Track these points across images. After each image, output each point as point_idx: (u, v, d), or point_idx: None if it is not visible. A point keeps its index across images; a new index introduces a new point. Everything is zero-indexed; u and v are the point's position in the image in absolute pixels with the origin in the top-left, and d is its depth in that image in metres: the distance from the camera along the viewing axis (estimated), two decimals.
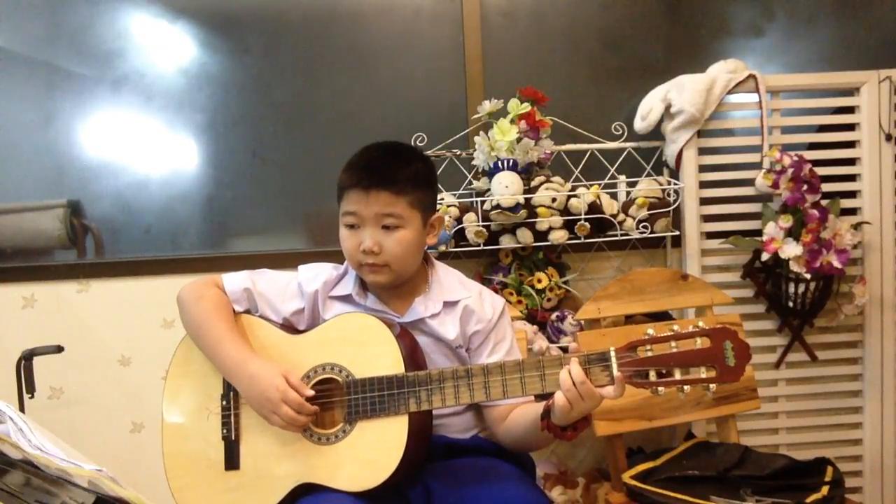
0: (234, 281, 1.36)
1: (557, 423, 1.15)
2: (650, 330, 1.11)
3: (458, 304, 1.35)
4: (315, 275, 1.37)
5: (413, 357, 1.25)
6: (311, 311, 1.36)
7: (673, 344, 1.10)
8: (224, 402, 1.29)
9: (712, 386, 1.09)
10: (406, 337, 1.27)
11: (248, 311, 1.36)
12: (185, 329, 1.34)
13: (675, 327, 1.11)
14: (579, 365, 1.11)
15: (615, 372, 1.10)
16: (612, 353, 1.11)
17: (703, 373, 1.08)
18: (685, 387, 1.09)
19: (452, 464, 1.30)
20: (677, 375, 1.09)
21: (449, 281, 1.39)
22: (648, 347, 1.10)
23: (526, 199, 1.89)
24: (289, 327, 1.36)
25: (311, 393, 1.20)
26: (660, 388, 1.09)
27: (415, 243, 1.31)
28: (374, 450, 1.18)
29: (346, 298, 1.36)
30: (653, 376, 1.09)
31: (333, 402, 1.23)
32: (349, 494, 1.16)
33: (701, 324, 1.11)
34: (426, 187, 1.34)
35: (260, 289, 1.36)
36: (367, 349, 1.22)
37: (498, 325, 1.37)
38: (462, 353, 1.35)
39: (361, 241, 1.28)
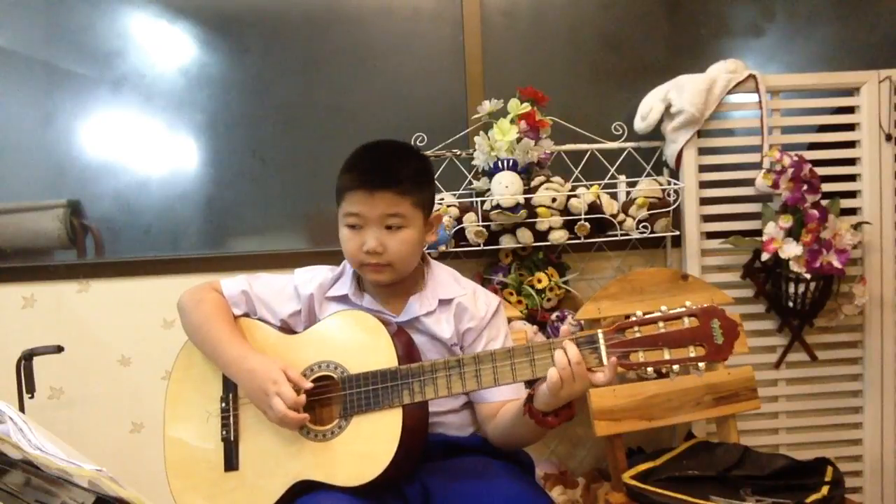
0: (232, 285, 1.37)
1: (540, 407, 1.15)
2: (638, 311, 1.11)
3: (453, 301, 1.35)
4: (311, 277, 1.38)
5: (409, 353, 1.25)
6: (307, 313, 1.36)
7: (661, 324, 1.09)
8: (223, 405, 1.29)
9: (701, 365, 1.08)
10: (402, 334, 1.28)
11: (246, 315, 1.37)
12: (186, 333, 1.35)
13: (664, 308, 1.11)
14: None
15: (603, 354, 1.10)
16: (601, 336, 1.11)
17: (691, 352, 1.08)
18: (675, 367, 1.08)
19: (451, 463, 1.29)
20: (666, 355, 1.08)
21: (444, 279, 1.39)
22: (636, 329, 1.10)
23: (526, 199, 1.89)
24: (286, 329, 1.36)
25: (309, 385, 1.20)
26: (649, 369, 1.09)
27: (417, 242, 1.31)
28: (369, 443, 1.18)
29: (342, 299, 1.36)
30: (642, 357, 1.09)
31: (330, 398, 1.23)
32: (347, 492, 1.16)
33: (688, 303, 1.10)
34: (427, 186, 1.34)
35: (257, 291, 1.37)
36: (362, 345, 1.23)
37: (492, 323, 1.38)
38: (457, 352, 1.35)
39: (364, 241, 1.28)
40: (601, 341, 1.10)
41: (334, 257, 1.45)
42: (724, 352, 1.08)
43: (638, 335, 1.09)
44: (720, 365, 1.72)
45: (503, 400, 1.31)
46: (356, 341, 1.24)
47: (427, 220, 1.34)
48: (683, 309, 1.09)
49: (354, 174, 1.29)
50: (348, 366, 1.23)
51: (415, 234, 1.30)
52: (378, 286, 1.35)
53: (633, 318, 1.10)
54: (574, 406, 1.16)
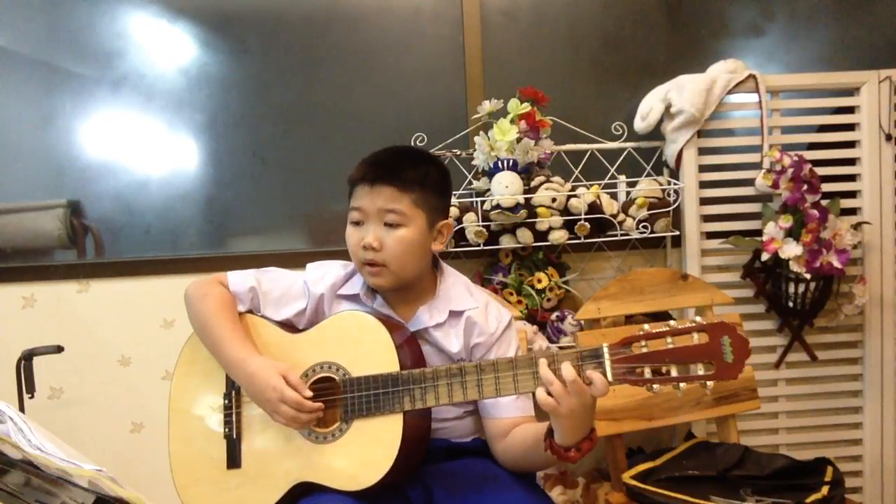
0: (239, 280, 1.36)
1: (560, 441, 1.11)
2: (646, 325, 1.07)
3: (463, 314, 1.33)
4: (322, 275, 1.36)
5: (414, 359, 1.24)
6: (313, 311, 1.35)
7: (669, 340, 1.05)
8: (226, 401, 1.29)
9: (710, 383, 1.04)
10: (410, 340, 1.27)
11: (251, 311, 1.36)
12: (192, 325, 1.34)
13: (672, 322, 1.07)
14: (571, 363, 1.07)
15: (608, 369, 1.06)
16: (606, 350, 1.07)
17: (700, 369, 1.04)
18: (682, 384, 1.04)
19: (454, 465, 1.29)
20: (673, 372, 1.04)
21: (457, 290, 1.36)
22: (644, 343, 1.06)
23: (526, 199, 1.89)
24: (290, 326, 1.36)
25: (308, 394, 1.19)
26: (655, 386, 1.05)
27: (416, 244, 1.28)
28: (369, 448, 1.18)
29: (353, 298, 1.35)
30: (648, 373, 1.05)
31: (332, 400, 1.23)
32: (348, 495, 1.16)
33: (698, 318, 1.07)
34: (435, 191, 1.31)
35: (265, 288, 1.36)
36: (364, 348, 1.23)
37: (501, 339, 1.35)
38: None
39: (363, 236, 1.27)
40: (606, 356, 1.07)
41: (334, 258, 1.45)
42: (734, 370, 1.03)
43: (645, 350, 1.05)
44: None
45: (512, 417, 1.28)
46: (358, 343, 1.23)
47: (434, 226, 1.31)
48: (693, 324, 1.05)
49: (361, 166, 1.30)
50: (350, 368, 1.22)
51: (414, 235, 1.27)
52: (383, 290, 1.33)
53: (641, 333, 1.06)
54: (595, 438, 1.13)
